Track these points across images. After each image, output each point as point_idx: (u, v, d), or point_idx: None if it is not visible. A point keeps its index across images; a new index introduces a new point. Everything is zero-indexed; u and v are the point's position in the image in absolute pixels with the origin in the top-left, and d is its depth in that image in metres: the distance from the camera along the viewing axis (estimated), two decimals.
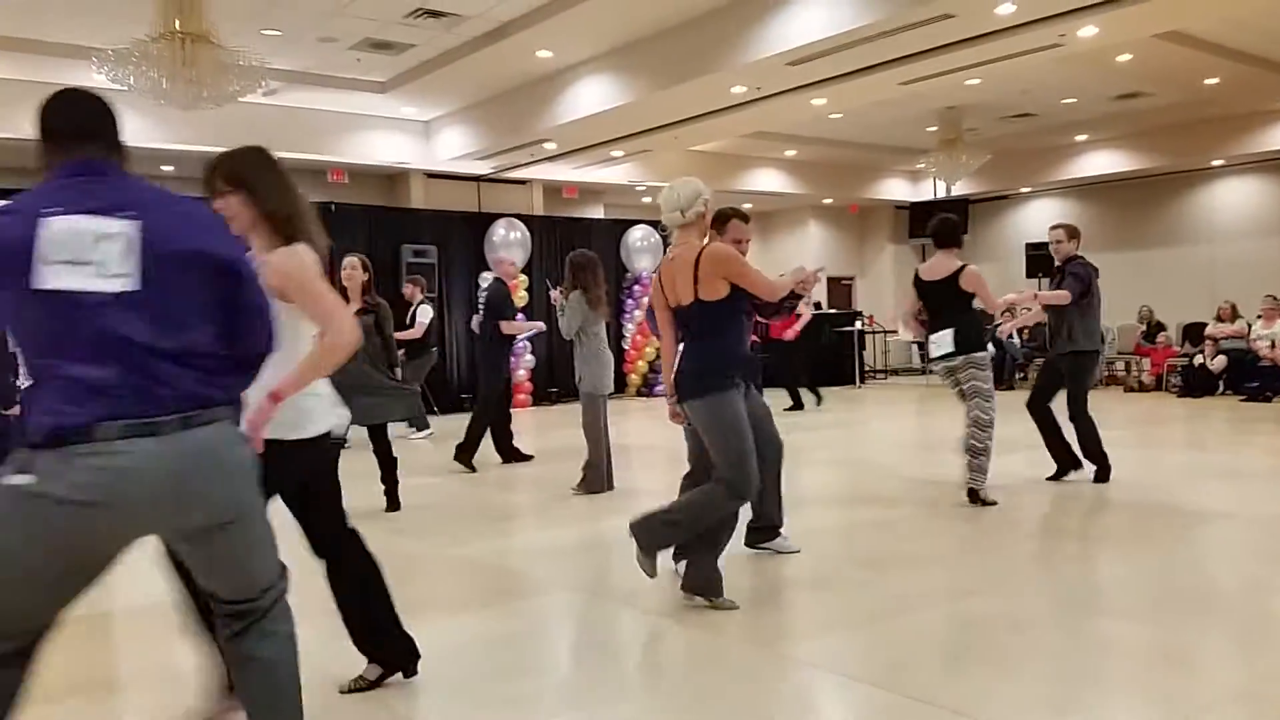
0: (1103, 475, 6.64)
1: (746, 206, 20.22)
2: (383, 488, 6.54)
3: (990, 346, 6.32)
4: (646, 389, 16.44)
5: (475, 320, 8.83)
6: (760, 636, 3.76)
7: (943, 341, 6.10)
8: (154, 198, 2.22)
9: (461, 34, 10.27)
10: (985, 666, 3.37)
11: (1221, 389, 13.21)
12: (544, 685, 3.38)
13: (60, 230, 2.03)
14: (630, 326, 16.41)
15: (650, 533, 4.09)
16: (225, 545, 2.21)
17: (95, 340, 2.02)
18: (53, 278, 2.01)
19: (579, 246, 16.46)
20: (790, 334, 12.02)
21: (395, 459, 6.56)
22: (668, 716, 3.07)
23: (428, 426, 10.64)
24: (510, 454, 8.46)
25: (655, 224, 16.70)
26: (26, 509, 1.98)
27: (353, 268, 6.43)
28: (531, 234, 14.72)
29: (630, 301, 16.47)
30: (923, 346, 18.07)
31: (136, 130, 11.36)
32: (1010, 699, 3.06)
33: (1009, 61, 9.69)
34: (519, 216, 14.87)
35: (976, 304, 6.21)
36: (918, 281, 6.32)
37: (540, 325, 9.96)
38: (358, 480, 7.41)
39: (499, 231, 14.45)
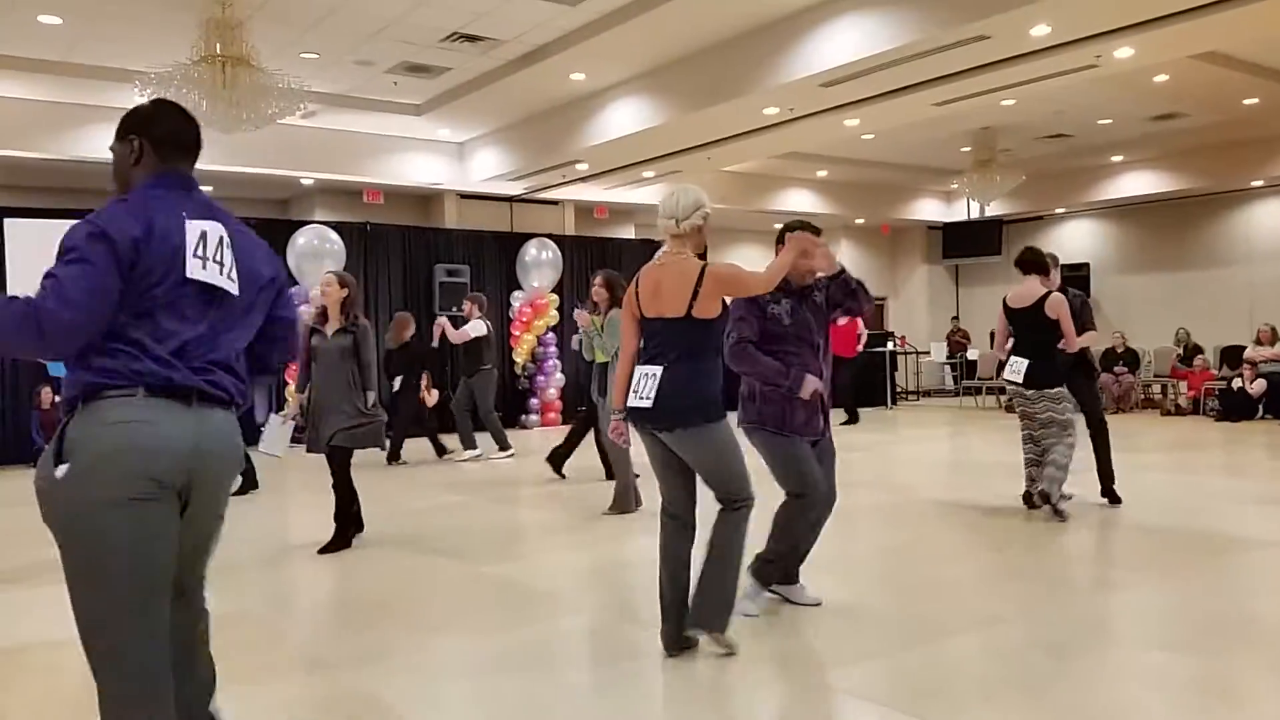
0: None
1: (778, 227, 20.23)
2: (336, 523, 5.95)
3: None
4: None
5: (576, 340, 8.98)
6: (789, 662, 3.74)
7: (1016, 369, 6.30)
8: (227, 217, 2.50)
9: (496, 57, 10.38)
10: (1019, 695, 3.33)
11: (1261, 413, 13.01)
12: (566, 708, 3.38)
13: (201, 231, 2.35)
14: None
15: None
16: (209, 534, 2.45)
17: (209, 326, 2.34)
18: (198, 269, 2.31)
19: (610, 267, 16.59)
20: (851, 350, 12.68)
21: (354, 491, 6.06)
22: None
23: (474, 446, 10.52)
24: (558, 464, 8.60)
25: None
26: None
27: (328, 284, 6.05)
28: (563, 254, 14.80)
29: None
30: (955, 368, 17.97)
31: None
32: None
33: (1044, 82, 9.65)
34: (550, 236, 14.96)
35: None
36: (1006, 309, 6.47)
37: None
38: (376, 503, 7.46)
39: (530, 251, 14.53)
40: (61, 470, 2.17)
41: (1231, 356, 14.31)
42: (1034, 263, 6.45)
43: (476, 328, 10.33)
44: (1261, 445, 10.54)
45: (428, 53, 10.17)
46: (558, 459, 8.56)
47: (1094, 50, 8.56)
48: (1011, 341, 6.43)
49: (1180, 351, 15.00)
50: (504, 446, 10.46)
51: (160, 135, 2.47)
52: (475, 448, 10.47)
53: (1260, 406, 13.03)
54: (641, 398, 3.69)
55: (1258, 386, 13.02)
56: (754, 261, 20.30)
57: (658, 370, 3.66)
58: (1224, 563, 5.23)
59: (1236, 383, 13.35)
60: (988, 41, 8.24)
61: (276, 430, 6.33)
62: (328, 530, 5.94)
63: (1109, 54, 8.70)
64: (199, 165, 2.59)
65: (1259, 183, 15.18)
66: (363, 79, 11.06)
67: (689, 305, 3.64)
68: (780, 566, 4.32)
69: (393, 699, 3.42)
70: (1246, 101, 12.40)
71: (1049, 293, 6.30)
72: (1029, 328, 6.32)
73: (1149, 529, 6.06)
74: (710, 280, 3.66)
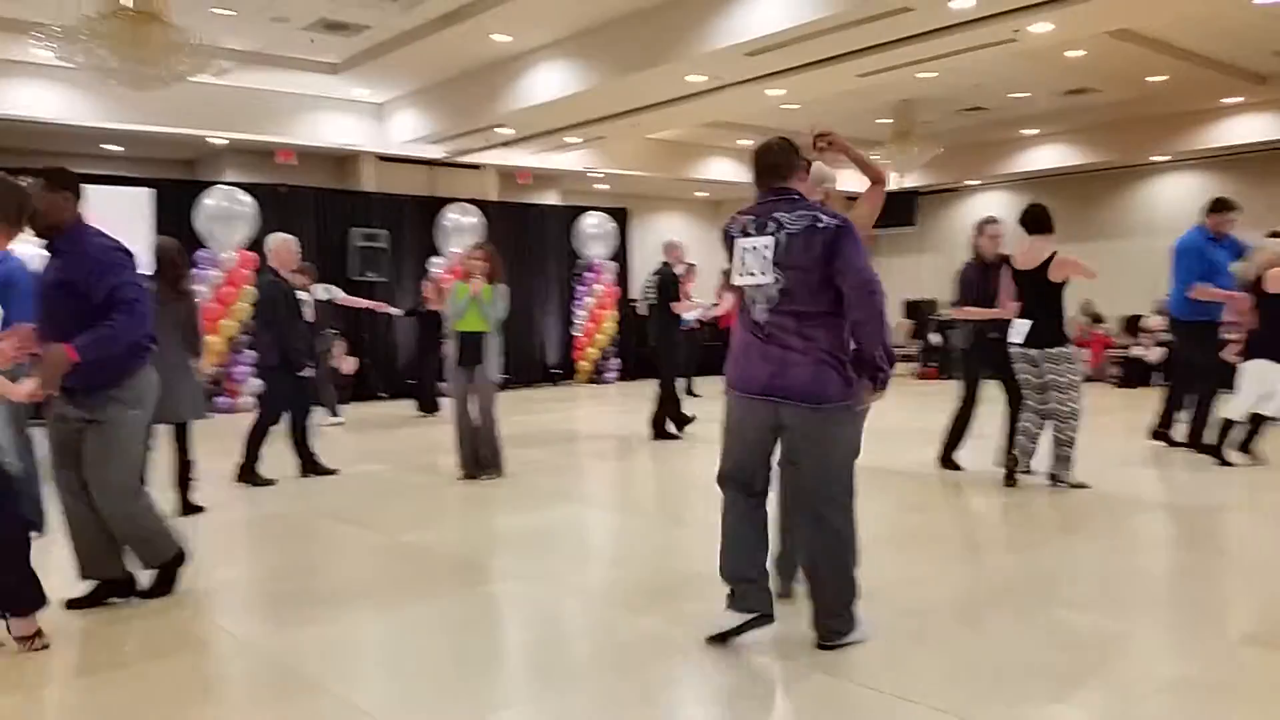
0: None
1: (701, 195, 20.30)
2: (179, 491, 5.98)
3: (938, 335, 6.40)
4: (596, 375, 16.45)
5: (643, 304, 9.17)
6: (704, 622, 3.78)
7: (1019, 330, 6.21)
8: None
9: (417, 16, 10.15)
10: (931, 654, 3.44)
11: (1158, 380, 13.53)
12: (491, 674, 3.40)
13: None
14: (582, 313, 16.39)
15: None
16: None
17: None
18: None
19: (534, 233, 16.45)
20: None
21: (190, 462, 6.00)
22: (616, 705, 3.09)
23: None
24: (660, 431, 8.99)
25: (609, 210, 16.70)
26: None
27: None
28: (486, 219, 14.64)
29: (582, 288, 16.44)
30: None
31: (83, 109, 11.10)
32: (956, 686, 3.13)
33: (963, 56, 9.82)
34: (472, 201, 14.77)
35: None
36: (1013, 271, 6.30)
37: (705, 304, 11.28)
38: (288, 471, 7.32)
39: (452, 216, 14.35)
40: (136, 411, 3.94)
41: (1133, 325, 14.86)
42: (1042, 222, 6.28)
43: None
44: (1157, 411, 10.96)
45: (346, 10, 9.90)
46: (680, 421, 9.02)
47: (1013, 24, 8.73)
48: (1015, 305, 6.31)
49: (1085, 320, 15.51)
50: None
51: (78, 190, 3.87)
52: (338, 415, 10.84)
53: (1158, 373, 13.55)
54: None
55: (1155, 354, 13.55)
56: (676, 230, 20.29)
57: None
58: (1121, 524, 5.46)
59: (1136, 351, 13.87)
60: (910, 14, 8.34)
61: None
62: (239, 499, 5.85)
63: (1026, 28, 8.88)
64: (102, 124, 2.67)
65: (1162, 158, 15.71)
66: (278, 36, 10.73)
67: None
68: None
69: (308, 669, 3.40)
70: (1153, 79, 12.79)
71: (1054, 254, 6.17)
72: (1032, 288, 6.21)
73: (1054, 492, 6.27)
74: None
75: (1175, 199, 16.05)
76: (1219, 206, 7.49)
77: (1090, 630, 3.66)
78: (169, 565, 4.19)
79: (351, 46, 11.26)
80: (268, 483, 6.95)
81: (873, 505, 6.03)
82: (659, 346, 8.87)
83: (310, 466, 7.29)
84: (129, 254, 3.88)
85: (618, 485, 7.50)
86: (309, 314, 7.84)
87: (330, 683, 3.28)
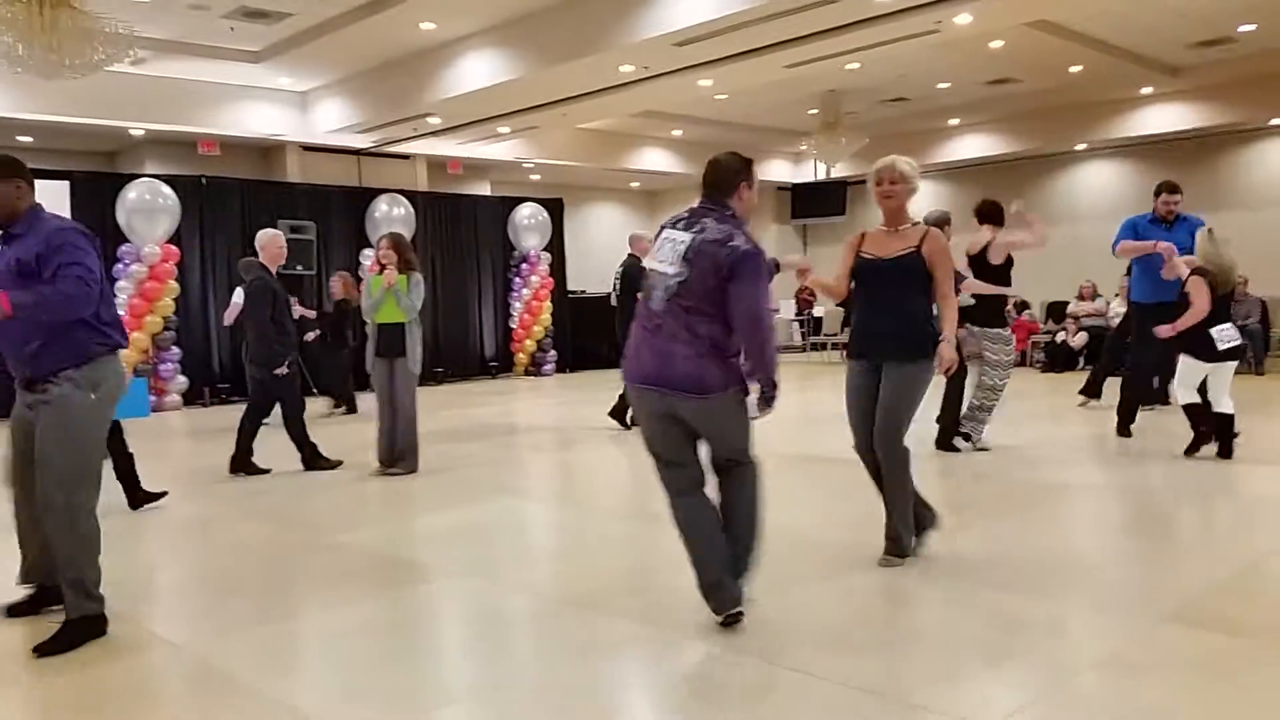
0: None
1: (634, 185, 20.27)
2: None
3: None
4: (534, 367, 16.38)
5: (613, 296, 9.20)
6: (645, 614, 3.80)
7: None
8: None
9: (340, 3, 9.99)
10: (868, 639, 3.49)
11: (1082, 364, 13.91)
12: (432, 672, 3.36)
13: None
14: (518, 305, 16.29)
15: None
16: None
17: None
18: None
19: (465, 223, 16.29)
20: None
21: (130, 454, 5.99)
22: (560, 700, 3.08)
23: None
24: (622, 419, 9.03)
25: (543, 201, 16.61)
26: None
27: None
28: (415, 210, 14.45)
29: (518, 280, 16.34)
30: (803, 324, 18.52)
31: None
32: (893, 670, 3.17)
33: (887, 47, 9.95)
34: (402, 192, 14.57)
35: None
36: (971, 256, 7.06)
37: None
38: (215, 472, 7.19)
39: (381, 207, 14.15)
40: (94, 395, 3.65)
41: (1056, 311, 15.24)
42: (995, 213, 7.20)
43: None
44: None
45: None
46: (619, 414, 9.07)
47: (935, 16, 8.88)
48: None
49: (1010, 307, 15.86)
50: None
51: (31, 179, 3.77)
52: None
53: (1081, 358, 13.94)
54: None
55: (1079, 339, 13.92)
56: (612, 220, 20.25)
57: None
58: (1053, 506, 5.59)
59: (1060, 336, 14.23)
60: (835, 5, 8.42)
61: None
62: (169, 501, 5.74)
63: (949, 20, 9.04)
64: (15, 115, 2.52)
65: (1082, 146, 16.13)
66: (197, 23, 10.45)
67: None
68: None
69: (246, 673, 3.33)
70: (1072, 69, 13.11)
71: (990, 240, 6.98)
72: (980, 272, 6.99)
73: (984, 475, 6.41)
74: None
75: (1097, 186, 16.50)
76: (1157, 190, 7.77)
77: (1020, 610, 3.75)
78: (80, 623, 3.63)
79: (273, 34, 11.01)
80: (336, 463, 7.34)
81: (793, 491, 6.13)
82: (624, 338, 8.86)
83: (243, 465, 7.20)
84: (87, 237, 3.74)
85: (558, 478, 7.47)
86: (295, 312, 7.75)
87: (269, 686, 3.22)
